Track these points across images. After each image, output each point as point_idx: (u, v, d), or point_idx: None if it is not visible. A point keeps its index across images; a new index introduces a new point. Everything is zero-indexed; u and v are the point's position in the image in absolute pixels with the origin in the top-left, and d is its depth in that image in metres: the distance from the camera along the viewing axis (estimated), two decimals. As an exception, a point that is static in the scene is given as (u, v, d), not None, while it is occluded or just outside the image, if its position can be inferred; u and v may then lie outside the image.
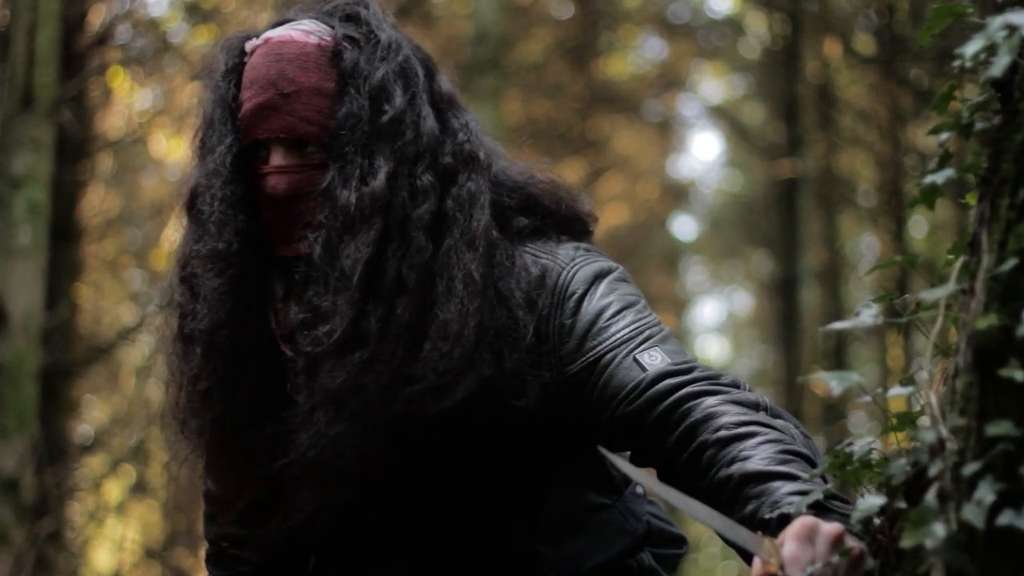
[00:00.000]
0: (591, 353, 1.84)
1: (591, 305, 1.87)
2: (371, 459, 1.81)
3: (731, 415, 1.71)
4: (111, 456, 9.04)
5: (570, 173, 14.97)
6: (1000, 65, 1.34)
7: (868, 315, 1.49)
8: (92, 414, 10.55)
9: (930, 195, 1.50)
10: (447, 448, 1.88)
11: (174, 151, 10.52)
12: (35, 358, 5.65)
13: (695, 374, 1.80)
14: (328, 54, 1.86)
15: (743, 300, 23.34)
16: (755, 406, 1.76)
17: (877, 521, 1.47)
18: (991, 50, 1.36)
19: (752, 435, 1.67)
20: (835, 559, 1.44)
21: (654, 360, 1.81)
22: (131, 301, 10.34)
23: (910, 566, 1.35)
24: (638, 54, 17.02)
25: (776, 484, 1.59)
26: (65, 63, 6.56)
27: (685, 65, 16.35)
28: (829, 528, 1.46)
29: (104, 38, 7.93)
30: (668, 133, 17.48)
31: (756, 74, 15.69)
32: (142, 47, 8.85)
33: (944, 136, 1.49)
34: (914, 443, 1.42)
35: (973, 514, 1.23)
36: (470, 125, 1.90)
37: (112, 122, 9.29)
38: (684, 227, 26.34)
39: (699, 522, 1.57)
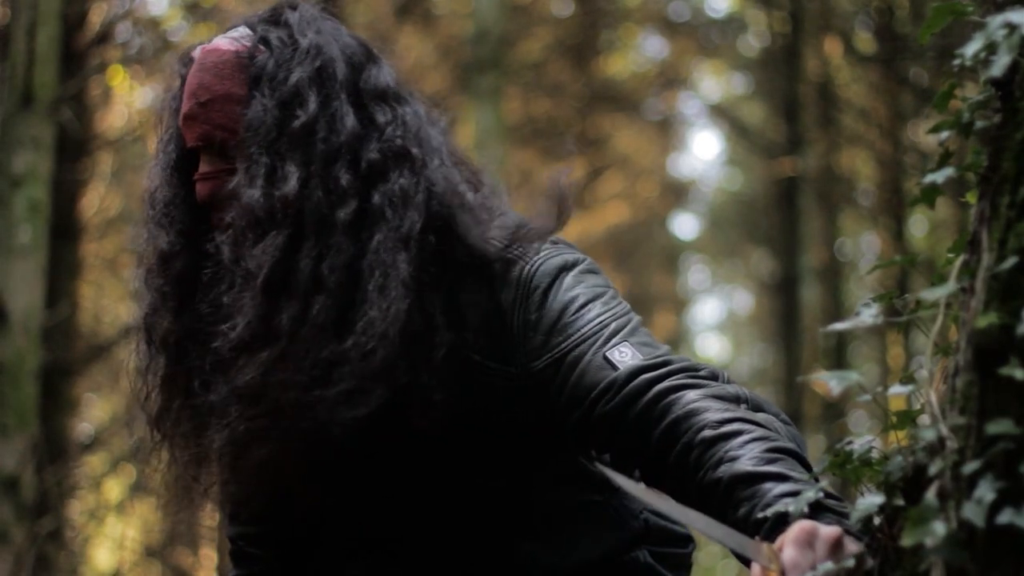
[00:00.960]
0: (557, 349, 1.81)
1: (556, 299, 1.84)
2: (327, 457, 1.83)
3: (713, 412, 1.69)
4: (111, 455, 9.04)
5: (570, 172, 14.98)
6: (1000, 64, 1.34)
7: (868, 314, 1.49)
8: (92, 413, 10.55)
9: (930, 194, 1.50)
10: (412, 447, 1.88)
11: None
12: (35, 357, 5.65)
13: (671, 367, 1.77)
14: (244, 60, 1.88)
15: (743, 299, 23.36)
16: (736, 399, 1.74)
17: (877, 520, 1.47)
18: (991, 49, 1.36)
19: (737, 434, 1.65)
20: (829, 565, 1.44)
21: (624, 357, 1.78)
22: (131, 300, 10.33)
23: (910, 565, 1.35)
24: (638, 53, 17.03)
25: (767, 485, 1.58)
26: (65, 62, 6.56)
27: (685, 64, 16.35)
28: (828, 532, 1.46)
29: (104, 37, 7.93)
30: (668, 132, 17.49)
31: (756, 73, 15.69)
32: (142, 46, 8.85)
33: (944, 135, 1.49)
34: (914, 441, 1.42)
35: (973, 512, 1.23)
36: (405, 120, 1.86)
37: (112, 121, 9.30)
38: (684, 226, 26.39)
39: (699, 532, 1.57)
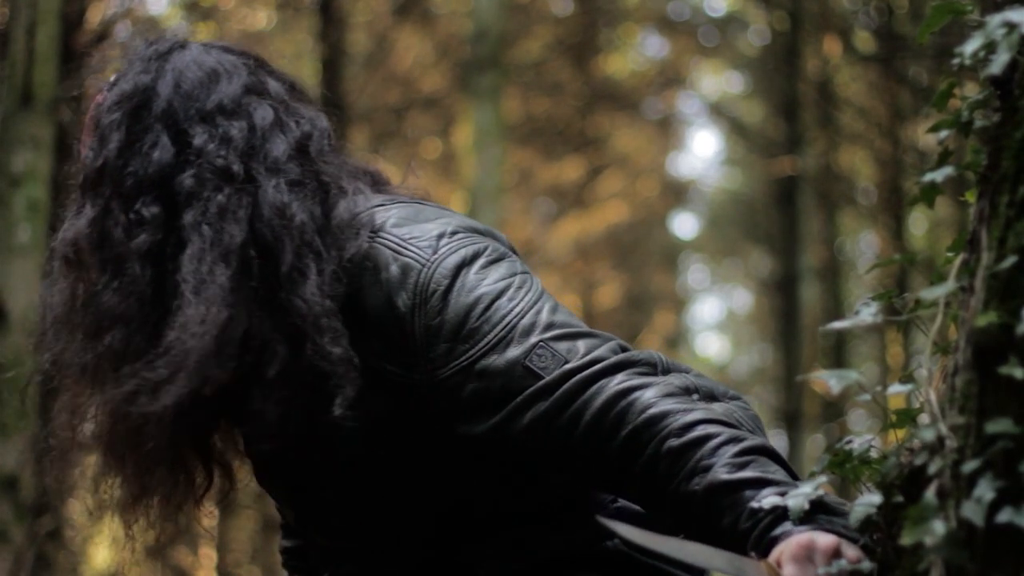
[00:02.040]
0: (464, 357, 1.73)
1: (458, 302, 1.74)
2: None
3: (673, 416, 1.63)
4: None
5: (570, 171, 14.99)
6: (999, 63, 1.34)
7: (868, 313, 1.49)
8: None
9: (930, 193, 1.50)
10: (337, 453, 1.86)
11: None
12: (35, 356, 5.65)
13: (605, 364, 1.69)
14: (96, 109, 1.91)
15: (743, 298, 23.36)
16: (687, 392, 1.69)
17: (876, 519, 1.47)
18: (990, 48, 1.36)
19: (704, 439, 1.60)
20: (835, 568, 1.44)
21: (544, 361, 1.70)
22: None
23: (909, 564, 1.35)
24: (638, 52, 17.03)
25: (748, 493, 1.55)
26: (64, 61, 6.56)
27: (685, 63, 16.36)
28: (825, 543, 1.46)
29: (103, 36, 7.92)
30: (668, 131, 17.48)
31: (756, 72, 15.69)
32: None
33: (944, 134, 1.49)
34: (914, 440, 1.42)
35: (972, 512, 1.23)
36: (230, 136, 1.82)
37: (112, 120, 9.29)
38: (684, 225, 26.37)
39: (702, 566, 1.56)
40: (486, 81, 9.28)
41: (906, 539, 1.27)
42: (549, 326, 1.73)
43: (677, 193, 18.90)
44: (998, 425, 1.25)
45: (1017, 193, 1.31)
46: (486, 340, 1.73)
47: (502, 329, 1.73)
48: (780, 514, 1.53)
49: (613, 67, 15.92)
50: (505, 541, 1.89)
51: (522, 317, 1.73)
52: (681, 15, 15.77)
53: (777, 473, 1.59)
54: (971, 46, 1.37)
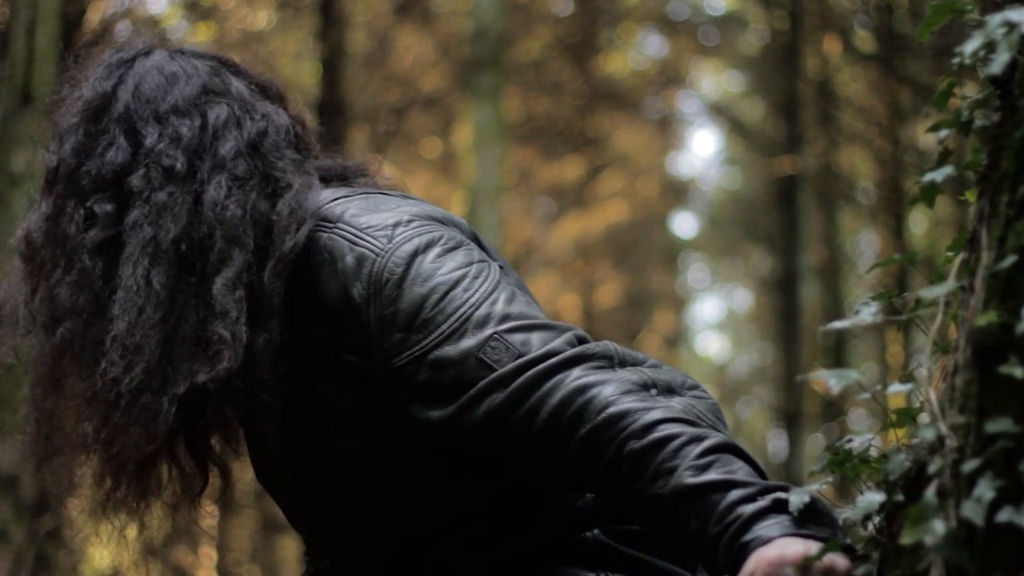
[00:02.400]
0: (417, 347, 1.73)
1: (412, 291, 1.75)
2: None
3: (633, 416, 1.62)
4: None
5: (570, 170, 14.99)
6: (999, 62, 1.34)
7: (868, 313, 1.50)
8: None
9: (930, 192, 1.50)
10: (314, 447, 1.88)
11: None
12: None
13: (560, 358, 1.68)
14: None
15: (743, 297, 23.37)
16: (645, 387, 1.68)
17: (876, 518, 1.47)
18: (990, 47, 1.36)
19: (666, 440, 1.59)
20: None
21: (498, 354, 1.70)
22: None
23: (909, 563, 1.35)
24: (638, 51, 17.03)
25: (715, 498, 1.55)
26: (64, 61, 6.56)
27: (684, 62, 16.35)
28: (793, 556, 1.46)
29: (103, 35, 7.93)
30: (668, 130, 17.48)
31: (755, 71, 15.69)
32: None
33: (944, 133, 1.49)
34: (914, 440, 1.42)
35: (973, 511, 1.23)
36: (179, 135, 1.86)
37: (111, 119, 9.29)
38: (684, 224, 26.36)
39: None
40: (486, 81, 9.28)
41: (906, 538, 1.27)
42: (504, 317, 1.73)
43: (677, 192, 18.90)
44: (998, 424, 1.25)
45: (1017, 192, 1.31)
46: (440, 331, 1.73)
47: (456, 320, 1.73)
48: (748, 519, 1.52)
49: (613, 66, 15.92)
50: (478, 532, 1.88)
51: (477, 308, 1.74)
52: (681, 14, 15.77)
53: (740, 472, 1.57)
54: (971, 45, 1.37)
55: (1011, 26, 1.34)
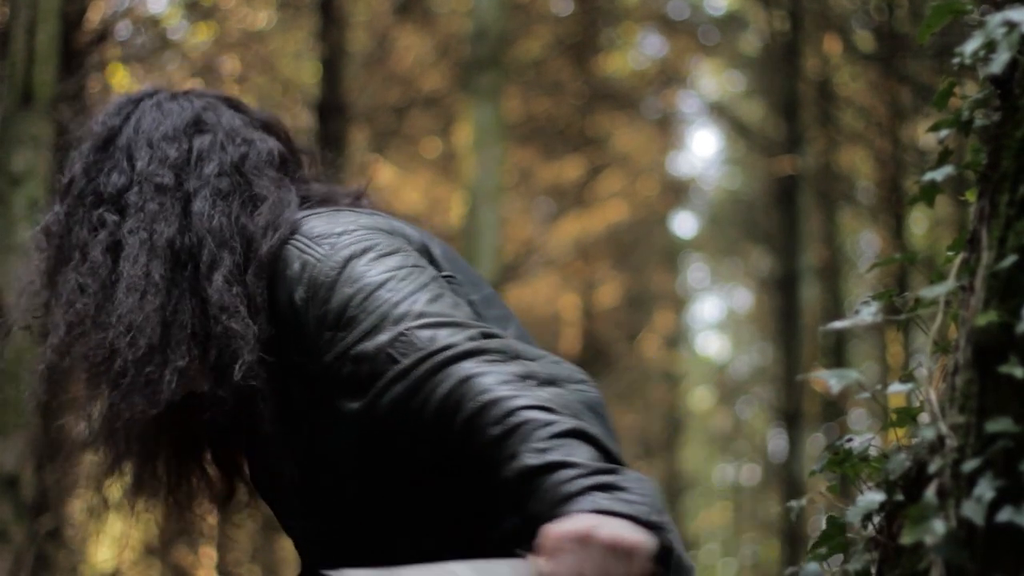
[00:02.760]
0: (342, 343, 1.85)
1: (342, 292, 1.87)
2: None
3: (501, 404, 1.68)
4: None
5: (570, 170, 14.99)
6: (1000, 62, 1.34)
7: (868, 313, 1.50)
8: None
9: (930, 192, 1.50)
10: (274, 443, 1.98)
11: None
12: (35, 355, 5.65)
13: (456, 350, 1.76)
14: None
15: (743, 297, 23.37)
16: (523, 378, 1.73)
17: (876, 518, 1.47)
18: (991, 47, 1.36)
19: (520, 426, 1.65)
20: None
21: (404, 348, 1.79)
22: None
23: (909, 563, 1.35)
24: (638, 51, 17.04)
25: (549, 478, 1.61)
26: (65, 60, 6.56)
27: (685, 62, 16.36)
28: (574, 529, 1.52)
29: (104, 35, 7.92)
30: (668, 130, 17.48)
31: (756, 71, 15.70)
32: (142, 44, 8.85)
33: (944, 133, 1.49)
34: (914, 440, 1.42)
35: (973, 511, 1.23)
36: (168, 157, 2.08)
37: (112, 119, 9.28)
38: (684, 224, 26.40)
39: None
40: (486, 80, 9.28)
41: (906, 538, 1.27)
42: (419, 315, 1.82)
43: (677, 192, 18.90)
44: (998, 424, 1.25)
45: (1017, 192, 1.32)
46: (361, 328, 1.84)
47: (376, 317, 1.83)
48: (568, 497, 1.58)
49: (613, 66, 15.92)
50: (442, 538, 1.93)
51: (396, 307, 1.83)
52: (681, 14, 15.78)
53: (579, 455, 1.62)
54: (971, 45, 1.38)
55: (1011, 26, 1.34)
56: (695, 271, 23.49)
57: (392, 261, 1.90)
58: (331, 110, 10.12)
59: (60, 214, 2.10)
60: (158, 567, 9.74)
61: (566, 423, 1.65)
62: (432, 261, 1.99)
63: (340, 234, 1.94)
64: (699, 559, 21.72)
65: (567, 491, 1.59)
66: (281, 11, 10.87)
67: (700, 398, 23.41)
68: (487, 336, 1.80)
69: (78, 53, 7.63)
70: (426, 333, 1.79)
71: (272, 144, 2.14)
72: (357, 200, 2.15)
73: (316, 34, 10.62)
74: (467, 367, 1.74)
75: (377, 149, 12.57)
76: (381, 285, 1.86)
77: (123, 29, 8.36)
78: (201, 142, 2.10)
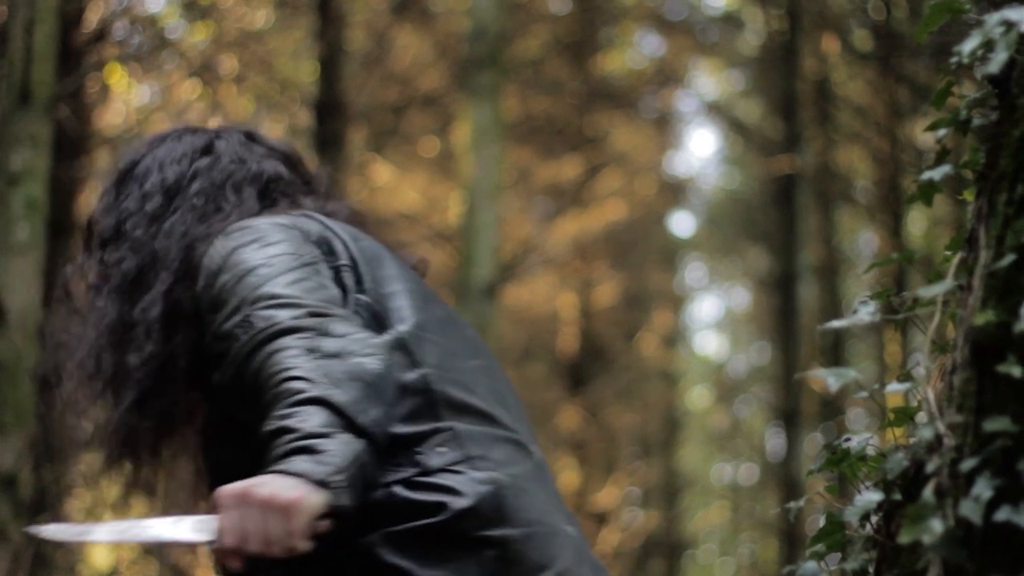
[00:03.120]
0: (214, 325, 1.98)
1: (220, 278, 2.00)
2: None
3: (279, 375, 1.82)
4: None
5: (568, 169, 14.99)
6: (998, 61, 1.34)
7: (866, 312, 1.50)
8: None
9: (928, 191, 1.50)
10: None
11: (172, 147, 10.50)
12: (33, 354, 5.65)
13: (275, 328, 1.88)
14: None
15: (741, 296, 23.35)
16: (309, 351, 1.84)
17: (875, 517, 1.47)
18: (989, 46, 1.36)
19: (280, 394, 1.79)
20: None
21: (245, 328, 1.91)
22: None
23: (908, 562, 1.35)
24: (636, 50, 17.02)
25: (275, 441, 1.74)
26: (63, 59, 6.55)
27: (683, 61, 16.34)
28: (238, 490, 1.68)
29: (102, 34, 7.92)
30: (666, 129, 17.46)
31: (754, 70, 15.69)
32: (140, 43, 8.84)
33: (942, 132, 1.49)
34: (912, 439, 1.42)
35: (971, 510, 1.23)
36: (145, 192, 2.22)
37: (110, 118, 9.29)
38: (682, 223, 26.37)
39: (125, 543, 1.74)
40: (484, 79, 9.27)
41: (904, 537, 1.27)
42: (270, 297, 1.93)
43: (675, 192, 18.88)
44: (996, 423, 1.25)
45: (1015, 191, 1.32)
46: (225, 309, 1.96)
47: (238, 300, 1.95)
48: (273, 459, 1.72)
49: (611, 65, 15.91)
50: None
51: (256, 290, 1.95)
52: (679, 14, 15.77)
53: (310, 421, 1.74)
54: (969, 44, 1.38)
55: (1009, 25, 1.34)
56: (693, 270, 23.48)
57: (272, 250, 2.01)
58: (329, 109, 10.12)
59: (81, 264, 2.26)
60: (156, 567, 9.73)
61: (312, 391, 1.77)
62: (331, 252, 2.07)
63: (244, 229, 2.06)
64: (697, 558, 21.72)
65: (277, 453, 1.72)
66: (279, 10, 10.86)
67: (698, 397, 23.40)
68: (313, 315, 1.90)
69: (76, 52, 7.63)
70: (266, 313, 1.91)
71: (270, 166, 2.26)
72: (354, 222, 2.24)
73: (314, 33, 10.61)
74: (279, 343, 1.86)
75: (375, 148, 12.56)
76: (251, 271, 1.97)
77: (121, 28, 8.36)
78: (200, 164, 2.23)
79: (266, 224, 2.08)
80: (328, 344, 1.84)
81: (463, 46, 10.07)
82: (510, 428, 2.04)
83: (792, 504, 1.52)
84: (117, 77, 8.92)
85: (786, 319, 13.26)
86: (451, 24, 12.21)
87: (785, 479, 12.73)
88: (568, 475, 15.71)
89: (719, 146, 22.10)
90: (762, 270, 16.45)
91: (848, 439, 1.59)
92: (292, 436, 1.72)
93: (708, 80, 18.18)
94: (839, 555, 1.54)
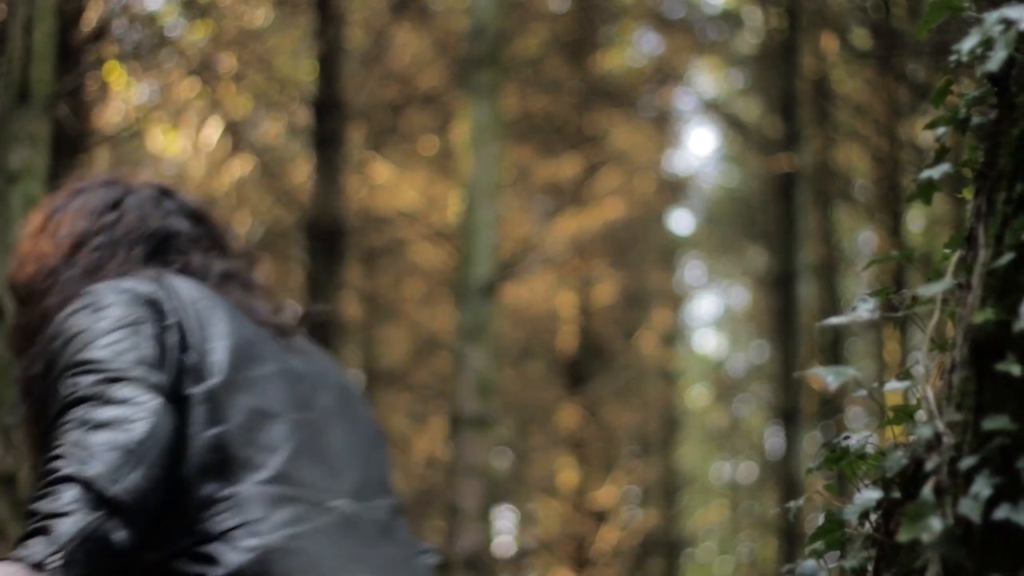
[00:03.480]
0: (47, 382, 2.06)
1: (55, 342, 2.08)
2: None
3: (51, 453, 1.88)
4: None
5: (567, 168, 14.99)
6: (997, 60, 1.34)
7: (865, 310, 1.50)
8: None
9: (927, 190, 1.50)
10: None
11: (171, 146, 10.51)
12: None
13: (69, 399, 1.94)
14: None
15: (740, 295, 23.36)
16: (81, 424, 1.89)
17: (874, 516, 1.47)
18: (988, 45, 1.36)
19: (43, 475, 1.84)
20: None
21: (56, 393, 1.98)
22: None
23: (907, 560, 1.35)
24: (634, 49, 17.02)
25: (26, 523, 1.78)
26: (62, 58, 6.55)
27: (682, 60, 16.34)
28: None
29: (101, 33, 7.92)
30: (665, 128, 17.46)
31: (753, 69, 15.68)
32: (139, 42, 8.84)
33: (941, 131, 1.49)
34: (911, 437, 1.42)
35: (970, 508, 1.23)
36: (74, 231, 2.32)
37: (109, 117, 9.29)
38: (681, 222, 26.40)
39: None
40: (484, 78, 9.27)
41: (903, 536, 1.27)
42: (81, 364, 2.00)
43: (674, 190, 18.87)
44: (995, 422, 1.25)
45: (1014, 190, 1.32)
46: (53, 372, 2.03)
47: (61, 366, 2.02)
48: (18, 541, 1.77)
49: (610, 64, 15.91)
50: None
51: (73, 356, 2.01)
52: (677, 12, 15.77)
53: (55, 503, 1.80)
54: (968, 43, 1.38)
55: (1008, 23, 1.34)
56: (692, 269, 23.48)
57: (100, 314, 2.08)
58: (328, 108, 10.11)
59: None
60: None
61: (64, 469, 1.83)
62: (159, 312, 2.11)
63: (86, 294, 2.14)
64: (696, 557, 21.72)
65: (22, 534, 1.78)
66: (278, 9, 10.86)
67: (697, 396, 23.41)
68: (107, 380, 1.96)
69: (75, 50, 7.63)
70: (72, 380, 1.99)
71: (174, 223, 2.35)
72: (226, 278, 2.31)
73: (313, 32, 10.61)
74: (67, 416, 1.93)
75: (374, 147, 12.56)
76: (74, 336, 2.05)
77: (120, 26, 8.35)
78: (106, 219, 2.33)
79: (103, 288, 2.15)
80: (102, 413, 1.89)
81: (462, 44, 10.07)
82: (309, 486, 2.02)
83: (791, 503, 1.52)
84: (116, 75, 8.91)
85: (785, 318, 13.26)
86: (450, 22, 12.20)
87: (784, 477, 12.73)
88: (567, 474, 15.72)
89: (718, 144, 22.11)
90: (761, 268, 16.45)
91: (847, 437, 1.59)
92: (34, 519, 1.78)
93: (707, 78, 18.19)
94: (838, 553, 1.54)
